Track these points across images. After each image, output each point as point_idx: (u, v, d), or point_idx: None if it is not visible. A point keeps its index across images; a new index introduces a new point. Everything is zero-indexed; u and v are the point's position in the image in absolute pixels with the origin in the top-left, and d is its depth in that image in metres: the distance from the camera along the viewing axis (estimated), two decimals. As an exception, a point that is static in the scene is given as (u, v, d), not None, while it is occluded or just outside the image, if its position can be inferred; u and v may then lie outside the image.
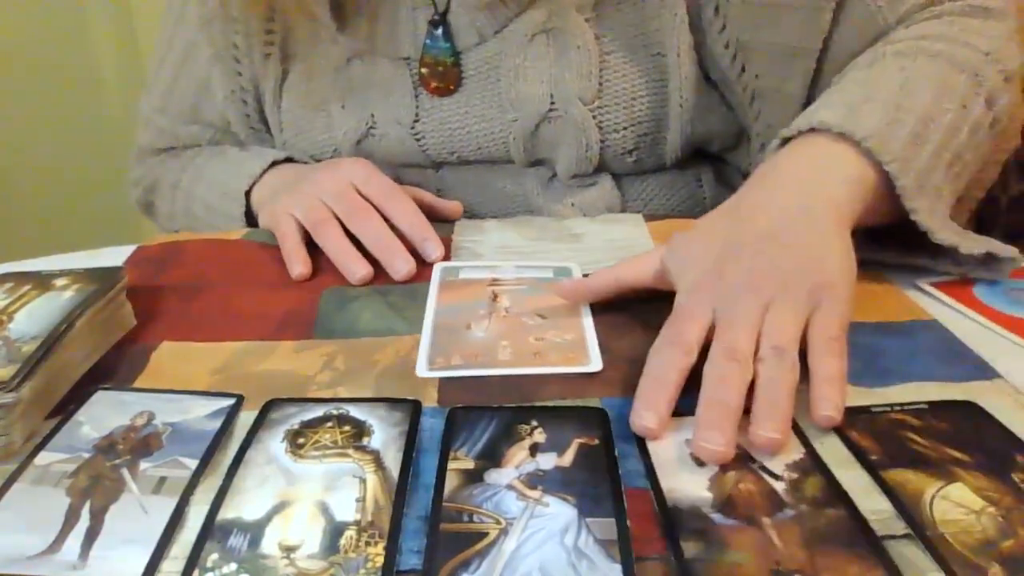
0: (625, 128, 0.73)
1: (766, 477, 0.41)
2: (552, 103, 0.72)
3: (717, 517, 0.38)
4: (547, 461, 0.42)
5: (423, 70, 0.75)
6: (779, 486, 0.40)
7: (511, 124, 0.74)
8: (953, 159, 0.58)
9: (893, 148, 0.54)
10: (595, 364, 0.51)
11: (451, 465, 0.42)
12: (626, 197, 0.77)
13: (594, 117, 0.72)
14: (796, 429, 0.44)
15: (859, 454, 0.42)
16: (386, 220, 0.66)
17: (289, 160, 0.79)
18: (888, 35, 0.66)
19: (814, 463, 0.42)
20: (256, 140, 0.84)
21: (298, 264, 0.65)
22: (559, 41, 0.72)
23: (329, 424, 0.45)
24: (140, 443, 0.44)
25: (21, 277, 0.55)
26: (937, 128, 0.58)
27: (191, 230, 0.82)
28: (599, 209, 0.75)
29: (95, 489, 0.41)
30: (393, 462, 0.42)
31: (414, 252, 0.65)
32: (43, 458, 0.43)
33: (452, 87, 0.74)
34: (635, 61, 0.72)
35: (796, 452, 0.43)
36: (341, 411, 0.46)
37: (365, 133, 0.77)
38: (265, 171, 0.77)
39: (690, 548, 0.36)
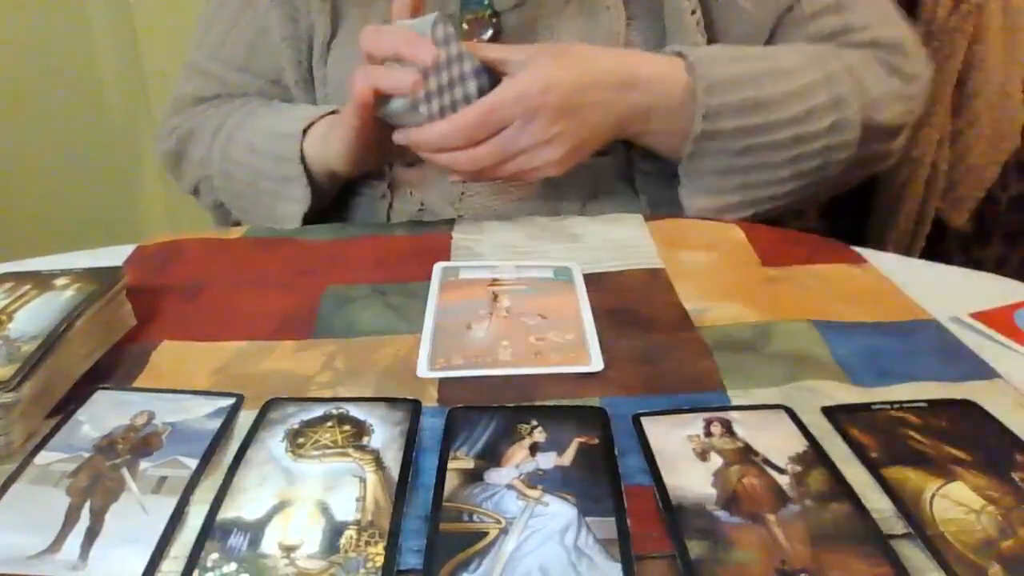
0: None
1: (770, 471, 0.41)
2: None
3: (722, 515, 0.38)
4: (547, 460, 0.42)
5: (464, 26, 0.76)
6: (783, 480, 0.40)
7: None
8: (755, 130, 0.70)
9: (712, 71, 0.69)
10: (596, 364, 0.51)
11: (451, 465, 0.42)
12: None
13: None
14: (797, 422, 0.45)
15: (859, 451, 0.42)
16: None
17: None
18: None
19: (817, 456, 0.42)
20: (302, 90, 0.85)
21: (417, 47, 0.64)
22: (590, 4, 0.75)
23: (329, 424, 0.45)
24: (140, 443, 0.44)
25: (21, 277, 0.55)
26: (761, 86, 0.70)
27: (222, 175, 0.83)
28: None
29: (95, 489, 0.41)
30: (393, 462, 0.42)
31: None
32: (43, 458, 0.43)
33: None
34: (651, 27, 0.76)
35: (799, 445, 0.43)
36: (341, 411, 0.46)
37: None
38: (321, 117, 0.78)
39: (695, 548, 0.36)
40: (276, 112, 0.83)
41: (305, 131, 0.77)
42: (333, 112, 0.78)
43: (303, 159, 0.76)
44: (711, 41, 0.76)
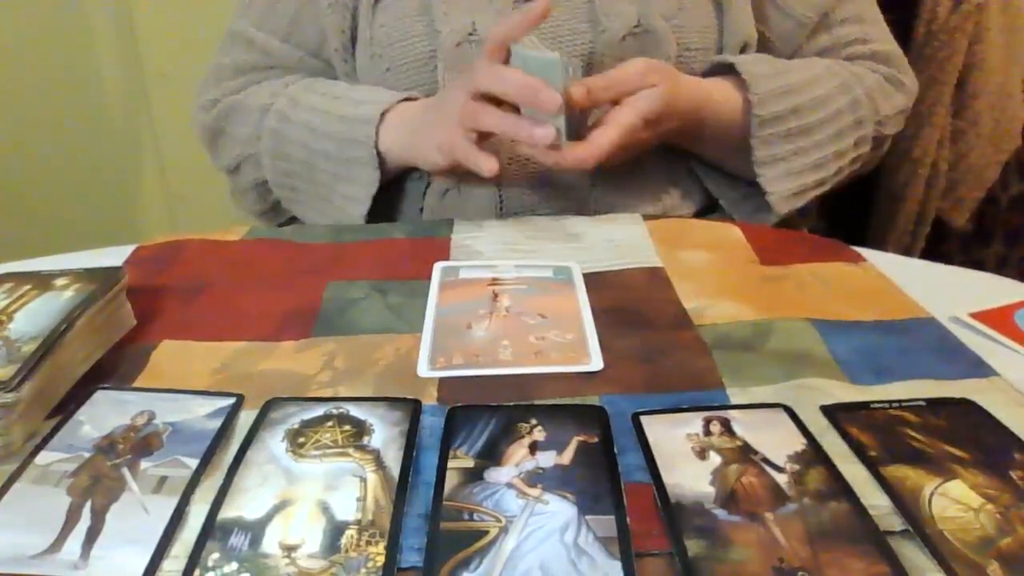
0: (696, 49, 0.79)
1: (768, 470, 0.41)
2: (638, 21, 0.77)
3: (720, 513, 0.38)
4: (547, 459, 0.42)
5: None
6: (782, 479, 0.40)
7: (600, 35, 0.77)
8: (806, 130, 0.78)
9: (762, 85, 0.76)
10: (596, 363, 0.51)
11: (451, 464, 0.42)
12: None
13: (673, 33, 0.78)
14: (796, 420, 0.45)
15: (858, 450, 0.43)
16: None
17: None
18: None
19: (816, 454, 0.42)
20: (342, 59, 0.86)
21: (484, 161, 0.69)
22: None
23: (329, 423, 0.45)
24: (140, 442, 0.44)
25: (21, 277, 0.55)
26: (810, 103, 0.77)
27: (274, 153, 0.84)
28: None
29: (96, 489, 0.41)
30: (393, 461, 0.42)
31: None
32: (43, 458, 0.43)
33: None
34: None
35: (797, 443, 0.43)
36: (341, 410, 0.46)
37: (465, 37, 0.78)
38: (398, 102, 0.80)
39: (693, 546, 0.36)
40: (342, 93, 0.83)
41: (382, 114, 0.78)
42: (409, 99, 0.79)
43: (377, 145, 0.78)
44: (759, 34, 0.82)
